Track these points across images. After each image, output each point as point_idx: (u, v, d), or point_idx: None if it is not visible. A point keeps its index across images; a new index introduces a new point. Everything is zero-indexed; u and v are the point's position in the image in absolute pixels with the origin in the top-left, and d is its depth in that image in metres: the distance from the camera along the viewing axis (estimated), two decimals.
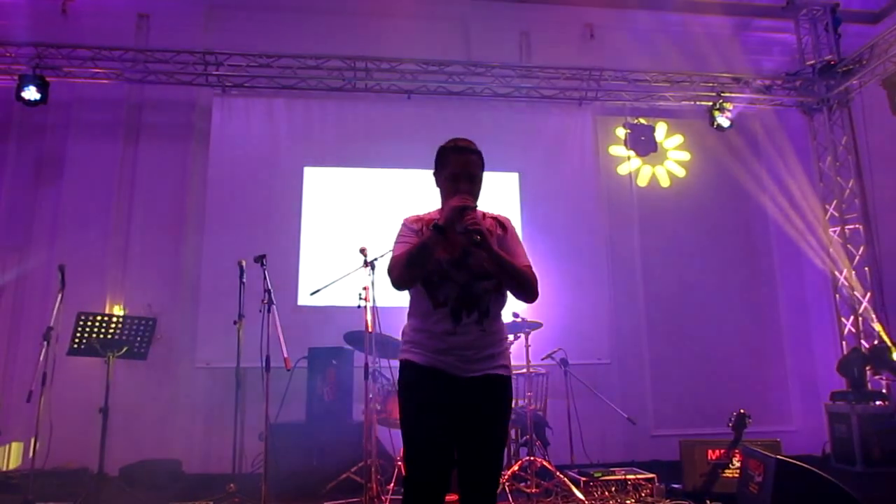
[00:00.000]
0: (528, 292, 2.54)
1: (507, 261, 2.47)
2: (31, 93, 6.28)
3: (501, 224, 2.65)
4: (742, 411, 4.78)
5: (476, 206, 2.53)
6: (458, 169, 2.54)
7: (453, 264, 2.48)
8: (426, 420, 2.42)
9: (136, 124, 7.12)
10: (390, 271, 2.52)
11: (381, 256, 4.55)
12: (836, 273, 7.17)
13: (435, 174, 2.65)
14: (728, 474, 4.74)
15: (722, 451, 4.83)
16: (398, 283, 2.50)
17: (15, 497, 4.80)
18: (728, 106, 7.13)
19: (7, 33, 6.53)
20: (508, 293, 2.61)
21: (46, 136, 7.00)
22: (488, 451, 2.45)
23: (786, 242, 7.53)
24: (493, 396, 2.48)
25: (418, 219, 2.65)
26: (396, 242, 2.60)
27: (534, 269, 2.58)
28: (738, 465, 4.67)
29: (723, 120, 7.10)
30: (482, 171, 2.62)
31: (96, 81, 6.74)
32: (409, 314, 2.61)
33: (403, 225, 2.65)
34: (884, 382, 6.64)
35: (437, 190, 2.67)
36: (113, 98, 7.04)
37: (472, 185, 2.55)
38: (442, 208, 2.61)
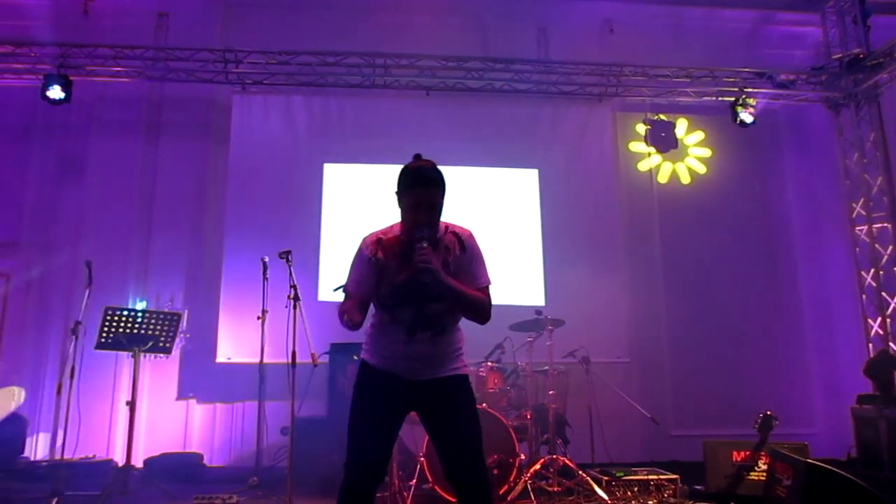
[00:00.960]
0: (479, 318, 2.62)
1: (459, 292, 2.53)
2: (55, 92, 6.36)
3: (461, 241, 2.66)
4: (768, 413, 4.71)
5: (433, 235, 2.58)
6: (418, 199, 2.56)
7: (407, 287, 2.54)
8: (367, 417, 2.58)
9: (156, 122, 7.18)
10: (340, 314, 2.57)
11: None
12: (863, 273, 7.06)
13: (396, 192, 2.64)
14: (753, 477, 4.67)
15: (747, 452, 4.76)
16: (347, 328, 2.56)
17: (43, 486, 4.87)
18: (751, 101, 7.04)
19: (31, 33, 6.60)
20: None
21: (70, 134, 7.07)
22: (461, 443, 2.54)
23: (809, 241, 7.44)
24: (447, 394, 2.60)
25: (375, 241, 2.66)
26: (350, 272, 2.68)
27: (489, 290, 2.64)
28: (764, 467, 4.61)
29: (745, 116, 7.01)
30: (443, 195, 2.61)
31: (118, 80, 6.80)
32: (373, 316, 2.69)
33: (359, 248, 2.68)
34: None
35: (398, 204, 2.67)
36: (134, 96, 7.10)
37: (432, 213, 2.58)
38: (402, 227, 2.65)
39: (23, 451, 6.21)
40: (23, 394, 6.57)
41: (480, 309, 2.60)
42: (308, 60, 6.76)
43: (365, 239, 2.69)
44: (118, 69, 6.64)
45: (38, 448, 6.41)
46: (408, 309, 2.57)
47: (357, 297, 2.61)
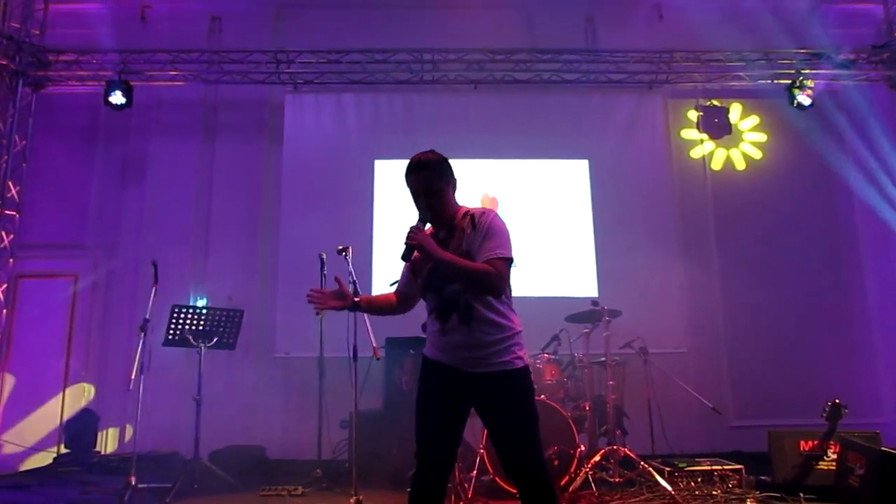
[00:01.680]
0: (483, 289, 2.59)
1: (450, 262, 2.59)
2: (117, 97, 6.62)
3: (473, 221, 2.68)
4: (837, 401, 4.61)
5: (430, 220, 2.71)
6: (411, 188, 2.73)
7: (431, 274, 2.68)
8: (426, 410, 2.65)
9: (212, 124, 7.38)
10: None
11: None
12: None
13: None
14: (822, 466, 4.57)
15: (815, 441, 4.65)
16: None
17: (117, 479, 5.07)
18: (809, 83, 6.85)
19: (92, 41, 6.85)
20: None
21: (131, 138, 7.33)
22: (515, 437, 2.55)
23: (874, 226, 7.17)
24: (500, 389, 2.59)
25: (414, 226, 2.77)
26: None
27: (501, 263, 2.58)
28: (833, 456, 4.51)
29: (803, 98, 6.83)
30: (440, 181, 2.71)
31: (174, 84, 7.01)
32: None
33: None
34: None
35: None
36: (190, 99, 7.31)
37: (430, 198, 2.69)
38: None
39: (95, 446, 6.48)
40: (93, 390, 6.85)
41: (479, 278, 2.55)
42: (357, 58, 6.85)
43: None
44: (175, 73, 6.85)
45: (108, 442, 6.67)
46: (433, 294, 2.68)
47: (400, 289, 2.90)
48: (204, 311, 5.37)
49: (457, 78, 7.06)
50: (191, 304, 6.67)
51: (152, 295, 5.01)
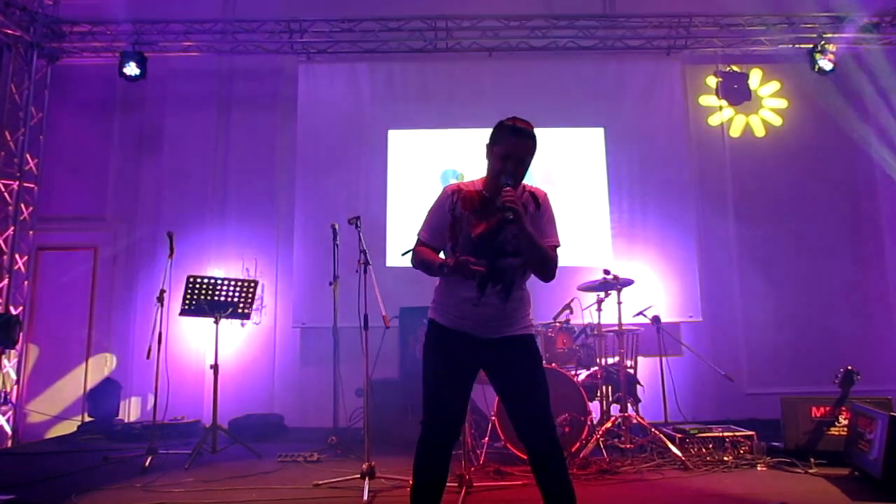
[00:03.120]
0: (547, 274, 2.63)
1: (535, 241, 2.54)
2: (131, 69, 6.65)
3: (536, 200, 2.69)
4: (850, 367, 4.61)
5: (516, 185, 2.59)
6: (512, 150, 2.59)
7: (484, 239, 2.58)
8: (444, 376, 2.64)
9: (227, 94, 7.39)
10: (412, 257, 2.73)
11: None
12: None
13: (488, 145, 2.68)
14: (834, 432, 4.58)
15: (827, 408, 4.65)
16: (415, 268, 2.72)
17: (139, 446, 5.21)
18: (831, 47, 6.68)
19: (106, 12, 6.85)
20: None
21: (146, 110, 7.37)
22: (530, 400, 2.58)
23: (894, 193, 7.04)
24: (516, 352, 2.64)
25: (456, 190, 2.69)
26: (427, 216, 2.74)
27: (558, 251, 2.66)
28: (844, 422, 4.51)
29: (825, 63, 6.67)
30: (532, 156, 2.66)
31: (188, 55, 7.01)
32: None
33: (438, 197, 2.73)
34: None
35: (487, 160, 2.70)
36: (204, 70, 7.33)
37: (520, 168, 2.61)
38: (486, 177, 2.69)
39: (118, 414, 6.65)
40: (115, 360, 7.01)
41: (549, 264, 2.61)
42: (371, 27, 6.80)
43: (445, 189, 2.73)
44: (189, 44, 6.85)
45: (131, 411, 6.84)
46: (482, 261, 2.56)
47: (429, 245, 2.70)
48: (219, 281, 5.45)
49: (471, 46, 6.99)
50: (208, 275, 6.77)
51: (168, 266, 5.09)
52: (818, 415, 4.68)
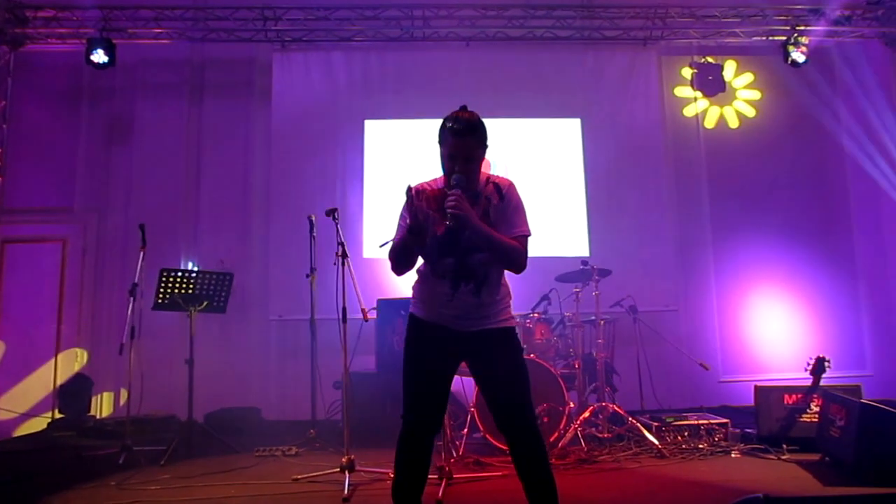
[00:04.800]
0: (513, 266, 2.63)
1: (490, 237, 2.54)
2: (99, 56, 6.47)
3: (499, 191, 2.67)
4: (821, 356, 4.70)
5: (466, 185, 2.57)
6: (454, 150, 2.58)
7: (449, 239, 2.56)
8: (424, 370, 2.64)
9: (199, 83, 7.25)
10: (392, 259, 2.69)
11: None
12: None
13: (438, 142, 2.67)
14: (805, 419, 4.66)
15: (799, 395, 4.74)
16: (396, 273, 2.69)
17: (113, 442, 5.11)
18: (804, 40, 6.76)
19: None
20: None
21: (115, 98, 7.19)
22: (510, 392, 2.59)
23: (863, 183, 7.20)
24: (496, 345, 2.64)
25: (420, 190, 2.66)
26: (399, 218, 2.70)
27: (527, 241, 2.64)
28: (816, 409, 4.59)
29: (798, 55, 6.74)
30: (482, 149, 2.64)
31: (159, 42, 6.86)
32: (418, 271, 2.74)
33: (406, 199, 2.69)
34: None
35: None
36: (176, 58, 7.17)
37: (468, 165, 2.59)
38: (444, 177, 2.66)
39: (89, 410, 6.51)
40: (86, 355, 6.87)
41: (513, 256, 2.59)
42: (346, 15, 6.71)
43: (410, 189, 2.70)
44: (159, 31, 6.70)
45: (103, 407, 6.71)
46: (450, 260, 2.60)
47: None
48: (193, 274, 5.35)
49: (448, 35, 6.94)
50: (182, 267, 6.66)
51: (140, 259, 4.99)
52: (790, 402, 4.76)
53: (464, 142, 2.57)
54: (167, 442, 4.89)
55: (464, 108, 2.66)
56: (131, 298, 4.88)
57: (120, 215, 6.95)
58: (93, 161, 7.15)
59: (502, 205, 2.64)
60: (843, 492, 3.64)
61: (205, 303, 5.31)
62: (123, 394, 6.25)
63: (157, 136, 7.06)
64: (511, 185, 2.71)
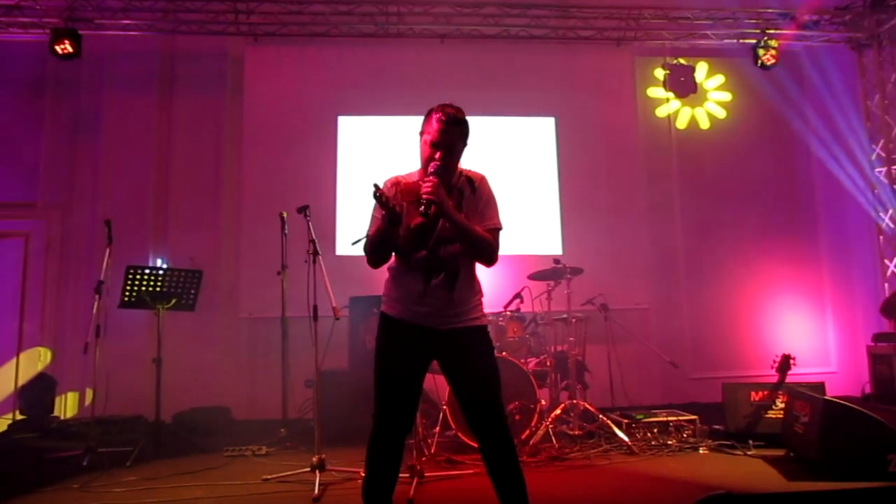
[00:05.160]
0: (484, 258, 2.65)
1: (464, 226, 2.55)
2: (64, 47, 6.29)
3: (471, 184, 2.70)
4: (786, 354, 4.79)
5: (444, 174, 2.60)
6: (438, 137, 2.60)
7: (422, 231, 2.59)
8: (396, 369, 2.63)
9: (170, 76, 7.10)
10: (365, 253, 2.68)
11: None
12: (881, 214, 7.01)
13: (420, 133, 2.70)
14: (771, 415, 4.75)
15: (765, 392, 4.83)
16: (372, 266, 2.69)
17: (77, 443, 4.99)
18: (773, 43, 6.86)
19: None
20: None
21: (82, 90, 7.01)
22: (480, 390, 2.61)
23: (829, 183, 7.34)
24: (467, 343, 2.66)
25: (394, 183, 2.72)
26: (372, 214, 2.69)
27: (498, 234, 2.68)
28: (782, 405, 4.68)
29: (768, 58, 6.84)
30: (463, 143, 2.68)
31: (128, 34, 6.71)
32: (389, 268, 2.75)
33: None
34: None
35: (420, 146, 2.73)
36: (146, 50, 7.00)
37: (449, 156, 2.62)
38: (420, 170, 2.70)
39: (53, 411, 6.35)
40: (49, 354, 6.70)
41: (485, 248, 2.62)
42: (320, 10, 6.64)
43: (385, 182, 2.74)
44: (127, 22, 6.55)
45: (67, 407, 6.55)
46: (422, 252, 2.61)
47: None
48: (161, 271, 5.26)
49: (423, 32, 6.91)
50: (150, 264, 6.54)
51: (107, 255, 4.89)
52: (757, 399, 4.86)
53: (449, 130, 2.60)
54: (134, 443, 4.82)
55: (459, 108, 2.69)
56: (97, 296, 4.79)
57: (86, 211, 6.78)
58: (57, 155, 6.96)
59: (474, 198, 2.67)
60: (806, 487, 3.72)
61: (173, 300, 5.23)
62: (89, 394, 6.12)
63: (125, 130, 6.90)
64: (483, 179, 2.74)
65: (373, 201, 2.63)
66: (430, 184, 2.48)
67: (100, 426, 5.01)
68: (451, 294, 2.62)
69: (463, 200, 2.64)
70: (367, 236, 2.67)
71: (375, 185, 2.52)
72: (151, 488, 3.96)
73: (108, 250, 4.95)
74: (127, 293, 5.11)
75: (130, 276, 5.10)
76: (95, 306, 4.76)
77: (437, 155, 2.59)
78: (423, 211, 2.44)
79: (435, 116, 2.62)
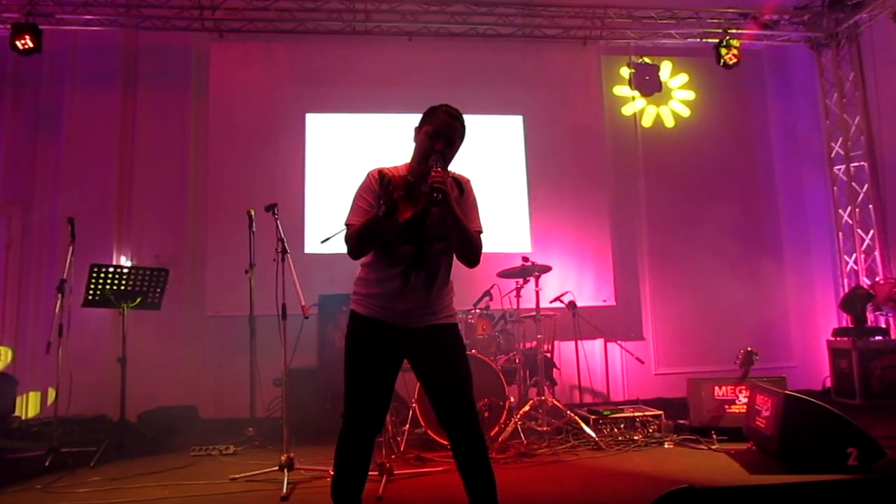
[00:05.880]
0: (471, 258, 2.63)
1: (461, 222, 2.54)
2: (24, 41, 6.15)
3: (460, 185, 2.70)
4: (749, 349, 4.90)
5: (444, 166, 2.58)
6: (442, 128, 2.59)
7: (410, 224, 2.57)
8: (367, 368, 2.61)
9: (133, 72, 6.97)
10: (346, 243, 2.61)
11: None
12: (840, 211, 7.20)
13: (416, 128, 2.68)
14: (734, 410, 4.86)
15: (729, 387, 4.94)
16: (354, 257, 2.64)
17: (39, 444, 4.90)
18: (735, 42, 6.99)
19: None
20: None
21: (43, 86, 6.85)
22: (452, 388, 2.61)
23: (790, 181, 7.51)
24: (439, 341, 2.66)
25: (380, 174, 2.60)
26: (354, 203, 2.66)
27: (480, 236, 2.68)
28: (744, 400, 4.79)
29: (729, 57, 6.98)
30: (461, 142, 2.69)
31: (89, 29, 6.59)
32: (363, 265, 2.72)
33: (367, 180, 2.68)
34: (885, 318, 6.76)
35: (413, 144, 2.70)
36: (109, 45, 6.87)
37: (448, 149, 2.62)
38: (412, 160, 2.68)
39: (14, 411, 6.21)
40: (10, 353, 6.55)
41: (474, 248, 2.62)
42: (287, 6, 6.59)
43: (371, 172, 2.68)
44: (89, 17, 6.43)
45: (28, 407, 6.41)
46: (409, 247, 2.59)
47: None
48: (125, 270, 5.18)
49: (391, 29, 6.90)
50: (115, 262, 6.43)
51: (69, 254, 4.81)
52: (721, 394, 4.96)
53: (453, 124, 2.61)
54: (98, 443, 4.73)
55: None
56: (59, 295, 4.71)
57: (48, 208, 6.63)
58: (17, 151, 6.79)
59: (462, 199, 2.67)
60: (767, 480, 3.81)
61: (138, 299, 5.16)
62: (52, 393, 6.01)
63: (88, 126, 6.76)
64: (469, 182, 2.76)
65: (350, 191, 2.62)
66: (439, 173, 2.46)
67: (63, 426, 4.94)
68: (430, 292, 2.63)
69: (451, 199, 2.60)
70: (349, 225, 2.62)
71: (381, 172, 2.50)
72: (116, 488, 3.91)
73: (70, 248, 4.88)
74: (91, 292, 5.03)
75: (94, 275, 5.02)
76: (58, 305, 4.69)
77: (438, 146, 2.57)
78: (435, 198, 2.41)
79: (441, 109, 2.63)
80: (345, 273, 5.70)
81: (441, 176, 2.45)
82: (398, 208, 2.49)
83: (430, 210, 2.55)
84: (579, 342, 5.94)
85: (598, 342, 6.43)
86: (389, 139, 6.70)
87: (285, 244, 4.32)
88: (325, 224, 6.00)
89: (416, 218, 2.56)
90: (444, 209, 2.47)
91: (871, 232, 6.98)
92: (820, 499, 1.96)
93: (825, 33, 7.24)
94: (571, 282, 6.03)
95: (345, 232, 2.64)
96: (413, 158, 2.68)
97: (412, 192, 2.59)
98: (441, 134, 2.58)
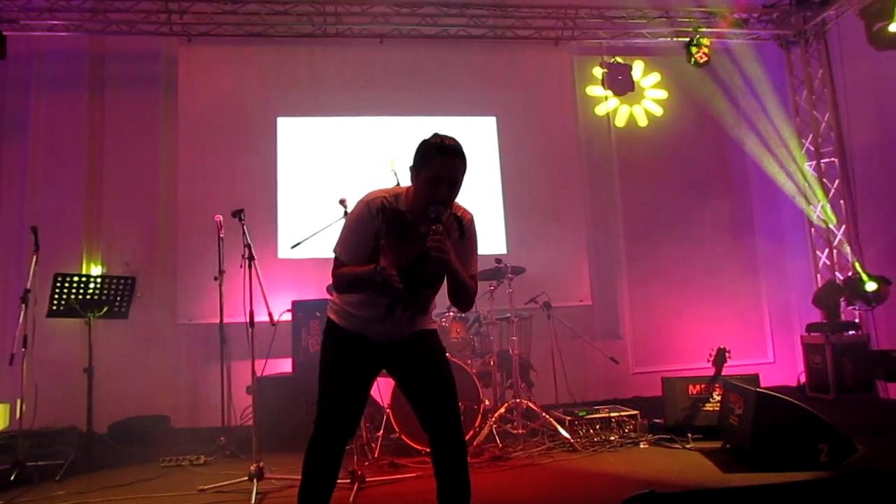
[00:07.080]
0: (466, 305, 2.57)
1: (460, 277, 2.44)
2: None
3: (461, 224, 2.56)
4: (722, 347, 4.91)
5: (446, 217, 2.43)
6: (442, 172, 2.37)
7: (405, 270, 2.40)
8: (342, 376, 2.55)
9: (100, 77, 6.85)
10: (333, 279, 2.51)
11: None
12: (812, 207, 7.26)
13: (412, 168, 2.45)
14: (709, 408, 4.86)
15: (703, 386, 4.94)
16: (339, 293, 2.58)
17: (5, 457, 4.78)
18: (705, 41, 7.04)
19: None
20: None
21: (7, 91, 6.71)
22: (439, 390, 2.57)
23: (763, 178, 7.55)
24: (420, 347, 2.62)
25: (380, 209, 2.45)
26: (345, 233, 2.53)
27: (477, 280, 2.62)
28: (718, 398, 4.80)
29: (700, 56, 7.02)
30: (464, 175, 2.46)
31: (55, 34, 6.47)
32: None
33: (361, 210, 2.48)
34: (857, 313, 6.82)
35: (413, 183, 2.50)
36: (75, 50, 6.75)
37: (452, 191, 2.42)
38: (411, 199, 2.47)
39: None
40: None
41: (471, 298, 2.55)
42: (256, 9, 6.52)
43: (368, 205, 2.47)
44: (54, 22, 6.32)
45: None
46: (397, 289, 2.39)
47: (349, 265, 2.48)
48: (91, 279, 5.08)
49: (362, 32, 6.85)
50: (83, 271, 6.32)
51: (33, 263, 4.71)
52: (694, 392, 4.96)
53: (453, 163, 2.39)
54: (65, 456, 4.64)
55: (436, 134, 2.48)
56: (23, 305, 4.61)
57: (12, 217, 6.49)
58: None
59: (462, 242, 2.54)
60: (739, 478, 3.80)
61: (105, 308, 5.07)
62: (17, 406, 5.88)
63: (54, 133, 6.63)
64: (472, 220, 2.61)
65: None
66: (437, 240, 2.28)
67: (28, 439, 4.82)
68: (413, 320, 2.59)
69: (450, 240, 2.45)
70: (338, 256, 2.50)
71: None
72: (82, 502, 3.84)
73: (34, 257, 4.78)
74: (55, 302, 4.93)
75: (58, 284, 4.92)
76: (22, 315, 4.59)
77: (442, 195, 2.36)
78: (429, 267, 2.36)
79: (435, 146, 2.38)
80: (317, 278, 5.69)
81: (440, 241, 2.29)
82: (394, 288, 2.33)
83: (425, 257, 2.37)
84: (555, 343, 5.92)
85: (574, 342, 6.41)
86: (362, 142, 6.66)
87: (251, 250, 4.25)
88: (298, 228, 5.93)
89: (412, 264, 2.44)
90: (445, 271, 2.41)
91: (843, 227, 7.04)
92: (786, 499, 1.95)
93: (794, 31, 7.31)
94: (546, 282, 5.99)
95: (333, 263, 2.53)
96: (413, 196, 2.46)
97: (410, 233, 2.43)
98: (442, 179, 2.36)
